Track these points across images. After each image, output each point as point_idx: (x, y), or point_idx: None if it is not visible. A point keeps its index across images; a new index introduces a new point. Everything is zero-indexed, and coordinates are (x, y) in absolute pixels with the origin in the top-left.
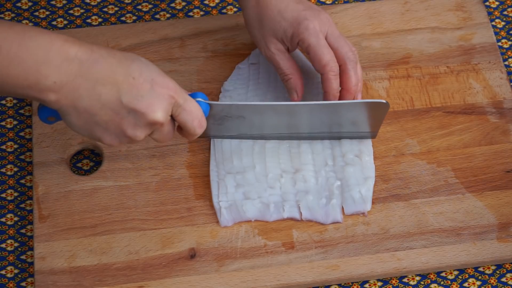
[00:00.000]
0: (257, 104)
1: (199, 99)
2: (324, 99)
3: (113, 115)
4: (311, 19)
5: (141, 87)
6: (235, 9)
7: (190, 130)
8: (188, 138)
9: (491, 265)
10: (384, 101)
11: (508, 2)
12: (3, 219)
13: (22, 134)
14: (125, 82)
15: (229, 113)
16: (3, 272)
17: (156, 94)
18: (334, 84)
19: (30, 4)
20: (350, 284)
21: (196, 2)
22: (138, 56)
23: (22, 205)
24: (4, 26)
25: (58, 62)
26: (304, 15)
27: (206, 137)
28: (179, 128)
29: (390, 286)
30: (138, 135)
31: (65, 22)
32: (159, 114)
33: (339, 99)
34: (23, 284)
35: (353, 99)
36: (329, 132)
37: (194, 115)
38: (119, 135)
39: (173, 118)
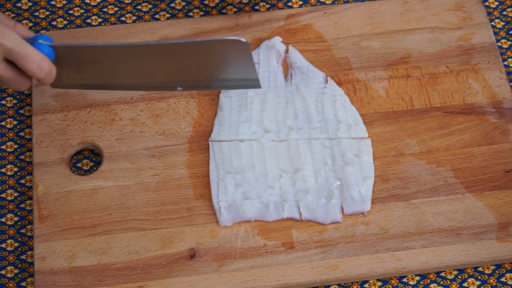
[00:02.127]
0: (104, 45)
1: (40, 41)
2: None
3: None
4: None
5: None
6: (234, 9)
7: (34, 75)
8: (41, 83)
9: (491, 265)
10: (239, 38)
11: (508, 2)
12: (3, 219)
13: (22, 134)
14: None
15: (80, 57)
16: (3, 272)
17: None
18: None
19: (30, 4)
20: (350, 284)
21: (196, 2)
22: None
23: (22, 205)
24: None
25: None
26: None
27: (71, 87)
28: None
29: (390, 286)
30: None
31: (65, 22)
32: None
33: None
34: (23, 284)
35: None
36: (198, 80)
37: (32, 59)
38: None
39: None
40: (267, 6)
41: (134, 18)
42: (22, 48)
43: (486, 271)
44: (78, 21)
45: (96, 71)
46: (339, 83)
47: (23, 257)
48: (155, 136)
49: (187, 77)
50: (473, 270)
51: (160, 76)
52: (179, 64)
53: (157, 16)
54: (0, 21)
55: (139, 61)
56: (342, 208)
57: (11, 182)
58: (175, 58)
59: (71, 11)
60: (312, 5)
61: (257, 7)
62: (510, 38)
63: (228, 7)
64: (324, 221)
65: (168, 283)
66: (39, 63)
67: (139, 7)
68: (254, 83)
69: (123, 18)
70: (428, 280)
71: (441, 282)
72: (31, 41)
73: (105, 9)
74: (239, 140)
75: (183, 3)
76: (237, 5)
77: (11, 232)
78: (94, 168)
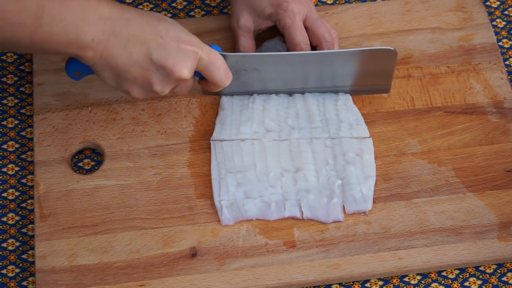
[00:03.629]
0: (269, 55)
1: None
2: None
3: (142, 71)
4: (291, 2)
5: (168, 45)
6: None
7: (219, 82)
8: (214, 90)
9: (492, 264)
10: (391, 48)
11: (509, 2)
12: (4, 219)
13: (23, 133)
14: (153, 41)
15: (243, 65)
16: (4, 271)
17: (182, 51)
18: None
19: None
20: (351, 283)
21: (197, 2)
22: (163, 16)
23: (23, 204)
24: None
25: (94, 20)
26: None
27: (223, 93)
28: (205, 81)
29: (391, 285)
30: (164, 90)
31: None
32: (185, 71)
33: None
34: (24, 283)
35: None
36: (343, 86)
37: (220, 67)
38: (146, 89)
39: (198, 73)
40: None
41: None
42: (212, 57)
43: (488, 271)
44: None
45: (253, 78)
46: None
47: (24, 256)
48: (157, 135)
49: (332, 83)
50: (474, 269)
51: (309, 81)
52: (329, 72)
53: None
54: (182, 29)
55: (293, 68)
56: (344, 207)
57: (12, 181)
58: (325, 66)
59: None
60: None
61: None
62: (511, 38)
63: (229, 7)
64: (326, 220)
65: (170, 282)
66: (226, 70)
67: (140, 7)
68: (385, 89)
69: None
70: (430, 279)
71: (443, 281)
72: None
73: None
74: (240, 139)
75: (184, 3)
76: None
77: (12, 231)
78: (96, 167)
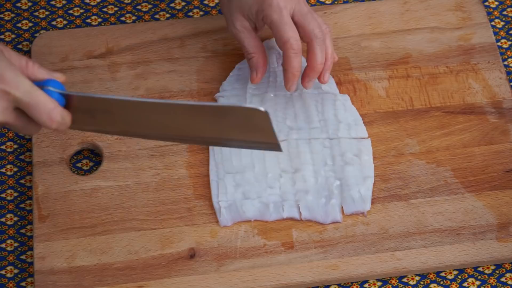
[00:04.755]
0: (117, 99)
1: (50, 88)
2: (284, 77)
3: None
4: None
5: None
6: None
7: (42, 125)
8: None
9: (491, 265)
10: (261, 108)
11: (508, 2)
12: (3, 219)
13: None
14: None
15: (91, 106)
16: (3, 272)
17: None
18: (294, 62)
19: (30, 4)
20: (350, 284)
21: (195, 2)
22: None
23: (22, 205)
24: None
25: None
26: None
27: (87, 130)
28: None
29: (390, 286)
30: None
31: (65, 22)
32: None
33: (303, 77)
34: (23, 284)
35: (320, 77)
36: (212, 138)
37: (42, 110)
38: None
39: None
40: None
41: (134, 18)
42: (32, 97)
43: (486, 271)
44: (78, 21)
45: (109, 120)
46: (339, 83)
47: (22, 257)
48: None
49: (199, 134)
50: (473, 270)
51: (171, 130)
52: (193, 124)
53: (157, 16)
54: (10, 65)
55: (150, 116)
56: (342, 208)
57: (10, 182)
58: (187, 118)
59: (70, 11)
60: (312, 5)
61: None
62: (510, 38)
63: None
64: (324, 221)
65: (168, 283)
66: (50, 113)
67: (139, 7)
68: (273, 147)
69: (123, 18)
70: (428, 280)
71: (441, 282)
72: (41, 86)
73: (105, 9)
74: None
75: (183, 3)
76: None
77: (11, 232)
78: (94, 168)
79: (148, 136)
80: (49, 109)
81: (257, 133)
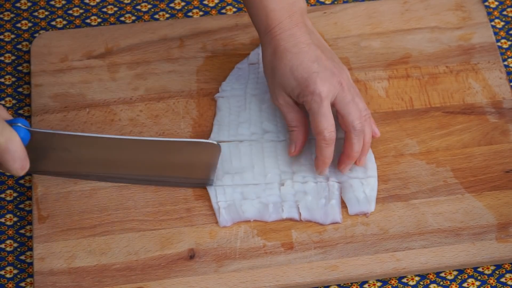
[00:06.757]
0: (81, 135)
1: (18, 124)
2: (315, 162)
3: None
4: (319, 83)
5: None
6: (234, 9)
7: (12, 172)
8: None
9: (490, 265)
10: (214, 142)
11: (508, 2)
12: (2, 220)
13: None
14: None
15: (52, 144)
16: (2, 272)
17: None
18: (325, 152)
19: (29, 4)
20: (349, 284)
21: (195, 2)
22: None
23: (22, 206)
24: None
25: None
26: (313, 78)
27: (40, 173)
28: None
29: (389, 286)
30: None
31: (64, 22)
32: None
33: (340, 163)
34: (22, 284)
35: (356, 161)
36: (160, 176)
37: (16, 157)
38: None
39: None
40: None
41: (133, 18)
42: (11, 144)
43: (486, 272)
44: (78, 21)
45: (65, 159)
46: None
47: (22, 257)
48: (155, 136)
49: (150, 171)
50: (473, 270)
51: (127, 169)
52: (147, 160)
53: (156, 16)
54: None
55: (107, 152)
56: (342, 208)
57: (10, 182)
58: (142, 153)
59: (70, 11)
60: (311, 5)
61: None
62: (510, 38)
63: (228, 7)
64: (324, 222)
65: (168, 283)
66: (23, 160)
67: (139, 7)
68: (207, 182)
69: (122, 18)
70: (428, 281)
71: (441, 283)
72: (10, 124)
73: (104, 9)
74: (238, 140)
75: (183, 3)
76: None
77: (10, 232)
78: None
79: (99, 177)
80: (23, 156)
81: (202, 167)
